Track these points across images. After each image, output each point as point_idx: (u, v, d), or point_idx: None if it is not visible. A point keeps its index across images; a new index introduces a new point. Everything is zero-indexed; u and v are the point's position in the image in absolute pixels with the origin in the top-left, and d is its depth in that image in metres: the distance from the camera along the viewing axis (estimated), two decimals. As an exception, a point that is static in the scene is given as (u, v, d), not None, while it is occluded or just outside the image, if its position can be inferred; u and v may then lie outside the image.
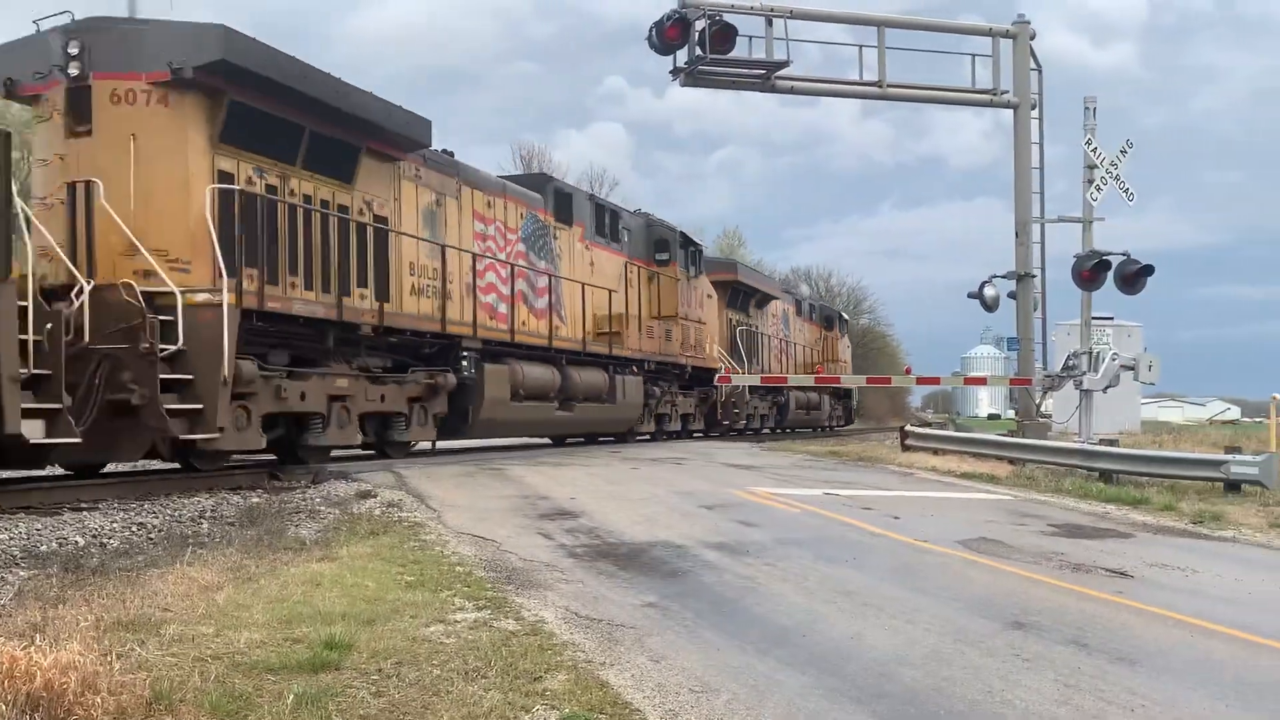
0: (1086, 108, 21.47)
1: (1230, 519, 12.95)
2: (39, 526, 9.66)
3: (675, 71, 23.16)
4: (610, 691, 5.41)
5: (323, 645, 5.83)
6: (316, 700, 5.00)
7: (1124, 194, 21.30)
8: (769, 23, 22.80)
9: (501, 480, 14.87)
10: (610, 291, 23.84)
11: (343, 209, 15.34)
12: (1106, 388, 20.93)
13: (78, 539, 9.35)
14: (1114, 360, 20.77)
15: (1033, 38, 24.59)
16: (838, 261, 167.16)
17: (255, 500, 12.13)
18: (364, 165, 15.74)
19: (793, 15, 23.05)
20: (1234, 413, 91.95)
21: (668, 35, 22.24)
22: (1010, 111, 24.74)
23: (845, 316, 55.26)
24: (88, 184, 12.63)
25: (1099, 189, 21.09)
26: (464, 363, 17.96)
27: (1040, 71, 24.72)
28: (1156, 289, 20.95)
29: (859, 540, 10.70)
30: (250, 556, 8.59)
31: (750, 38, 22.88)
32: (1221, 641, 7.10)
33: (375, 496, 12.53)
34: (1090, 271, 21.02)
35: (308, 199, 14.63)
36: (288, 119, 14.18)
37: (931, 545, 10.41)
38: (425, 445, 18.45)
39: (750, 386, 31.93)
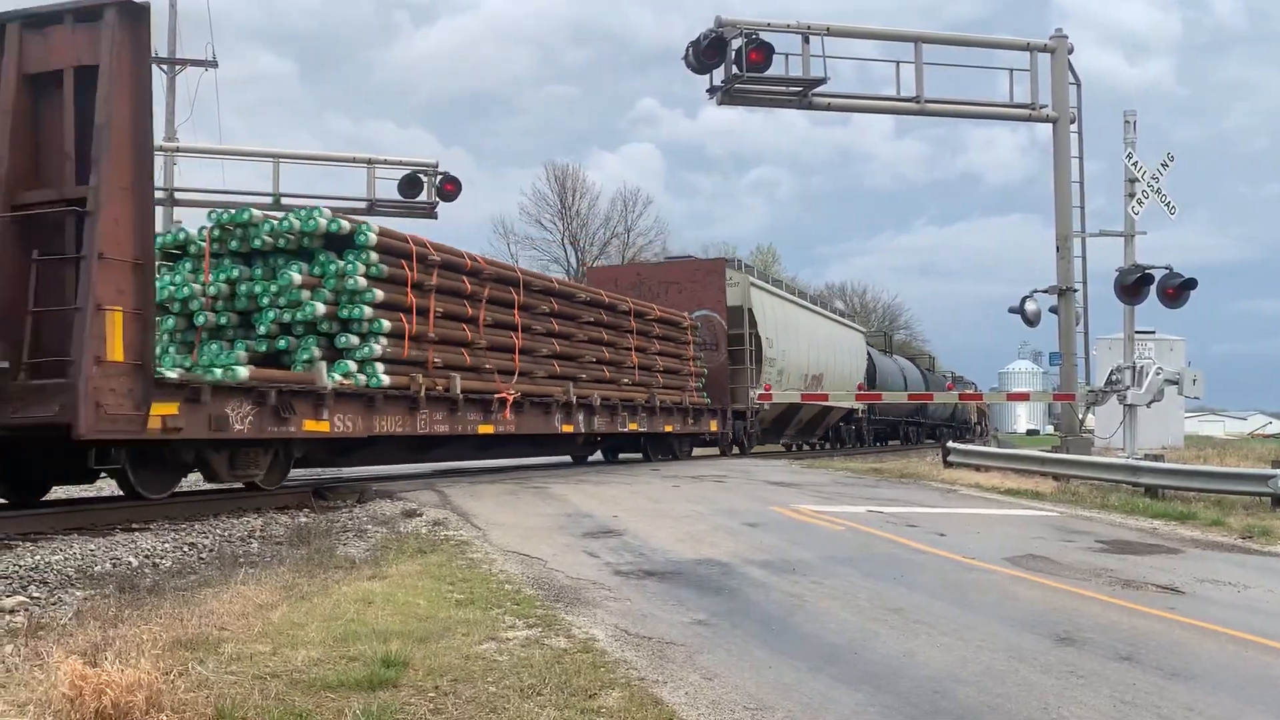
0: (1126, 121, 21.32)
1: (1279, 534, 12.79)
2: (92, 547, 9.80)
3: (712, 90, 23.22)
4: (665, 709, 5.43)
5: (379, 663, 5.89)
6: (377, 718, 5.06)
7: (1166, 208, 21.16)
8: (805, 40, 22.81)
9: (545, 499, 14.93)
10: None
11: None
12: (1151, 402, 20.72)
13: (131, 559, 9.48)
14: (1158, 375, 20.55)
15: (1071, 52, 24.52)
16: (871, 277, 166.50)
17: (303, 520, 12.25)
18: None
19: (829, 33, 23.05)
20: (1275, 427, 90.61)
21: (705, 55, 22.33)
22: (1048, 126, 24.66)
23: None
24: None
25: (1140, 203, 20.93)
26: None
27: (1079, 86, 24.65)
28: (1193, 302, 20.60)
29: (905, 558, 10.66)
30: (302, 575, 8.69)
31: (786, 55, 22.89)
32: (1278, 657, 7.03)
33: (421, 515, 12.63)
34: (1133, 285, 20.84)
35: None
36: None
37: (979, 562, 10.37)
38: None
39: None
